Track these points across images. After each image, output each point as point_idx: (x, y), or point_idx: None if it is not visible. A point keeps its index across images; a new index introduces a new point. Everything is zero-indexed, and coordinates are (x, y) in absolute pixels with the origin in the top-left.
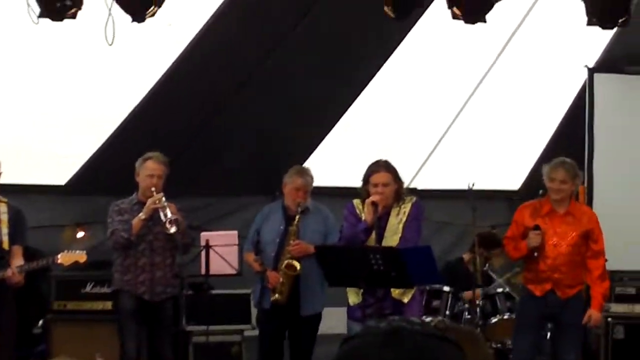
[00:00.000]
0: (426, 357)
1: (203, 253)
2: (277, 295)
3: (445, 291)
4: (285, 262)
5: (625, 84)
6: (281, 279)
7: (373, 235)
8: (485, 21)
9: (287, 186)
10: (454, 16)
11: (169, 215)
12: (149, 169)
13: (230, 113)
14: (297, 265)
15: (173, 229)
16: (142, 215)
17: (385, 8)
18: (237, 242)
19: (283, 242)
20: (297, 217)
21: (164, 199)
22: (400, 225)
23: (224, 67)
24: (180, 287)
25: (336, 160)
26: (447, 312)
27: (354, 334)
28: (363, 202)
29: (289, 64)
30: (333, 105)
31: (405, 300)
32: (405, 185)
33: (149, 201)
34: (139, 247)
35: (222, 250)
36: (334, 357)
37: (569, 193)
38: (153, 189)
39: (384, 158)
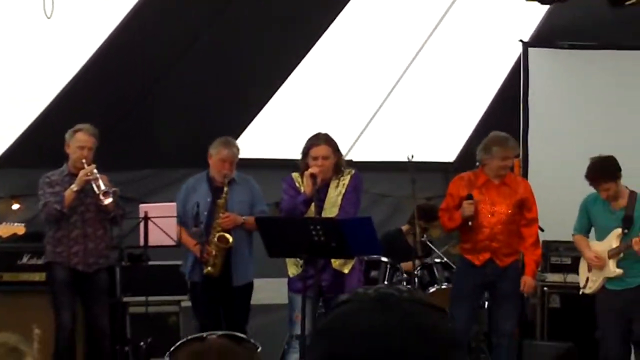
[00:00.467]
0: (415, 322)
1: (142, 224)
2: (209, 268)
3: (383, 261)
4: (217, 235)
5: (559, 58)
6: (214, 252)
7: (312, 207)
8: None
9: (212, 157)
10: None
11: (102, 187)
12: (80, 140)
13: (166, 85)
14: (230, 237)
15: (108, 201)
16: (74, 187)
17: None
18: (175, 214)
19: (211, 214)
20: (225, 189)
21: (95, 170)
22: (339, 198)
23: (159, 41)
24: (119, 258)
25: (273, 132)
26: (386, 282)
27: (342, 300)
28: (302, 175)
29: (224, 38)
30: (269, 77)
31: (346, 270)
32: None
33: (81, 173)
34: (70, 218)
35: (160, 222)
36: (323, 322)
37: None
38: (84, 160)
39: (323, 131)
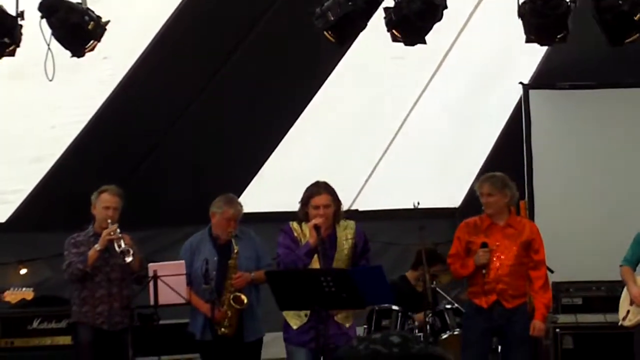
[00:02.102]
0: None
1: (151, 284)
2: (224, 329)
3: (394, 310)
4: (232, 296)
5: (560, 99)
6: (229, 313)
7: (316, 257)
8: (425, 42)
9: (217, 216)
10: (394, 38)
11: (123, 246)
12: (105, 201)
13: (168, 145)
14: (245, 298)
15: (129, 259)
16: (97, 247)
17: (325, 33)
18: (184, 272)
19: (220, 274)
20: (236, 249)
21: (118, 230)
22: (346, 244)
23: (159, 101)
24: (130, 319)
25: (277, 185)
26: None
27: (336, 356)
28: (300, 224)
29: (223, 96)
30: (269, 131)
31: (347, 325)
32: (346, 207)
33: (104, 232)
34: (95, 278)
35: (170, 280)
36: None
37: (500, 205)
38: (109, 220)
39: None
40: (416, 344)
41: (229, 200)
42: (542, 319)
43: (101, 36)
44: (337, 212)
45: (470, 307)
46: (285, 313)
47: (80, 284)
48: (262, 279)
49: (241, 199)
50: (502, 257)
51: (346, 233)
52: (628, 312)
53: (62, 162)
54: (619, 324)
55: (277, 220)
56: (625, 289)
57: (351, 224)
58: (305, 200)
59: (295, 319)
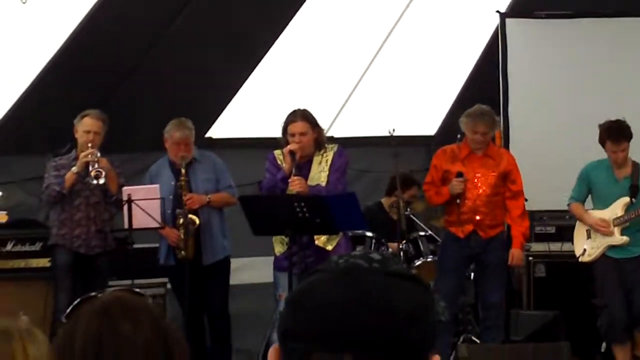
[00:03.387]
0: (374, 297)
1: (125, 207)
2: (183, 252)
3: (368, 236)
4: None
5: (537, 28)
6: (182, 235)
7: None
8: None
9: (167, 141)
10: None
11: (96, 167)
12: (86, 125)
13: (143, 70)
14: (196, 219)
15: (101, 181)
16: (74, 169)
17: None
18: (158, 196)
19: (177, 198)
20: (183, 171)
21: (98, 153)
22: (322, 174)
23: (133, 26)
24: (104, 241)
25: (253, 111)
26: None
27: (314, 269)
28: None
29: (198, 21)
30: (246, 56)
31: (329, 247)
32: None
33: (82, 155)
34: (74, 201)
35: (144, 204)
36: (290, 294)
37: (489, 140)
38: (90, 144)
39: (302, 107)
40: (395, 263)
41: (177, 124)
42: (520, 247)
43: None
44: (318, 140)
45: (446, 236)
46: (273, 239)
47: (59, 206)
48: (221, 201)
49: (215, 125)
50: (479, 186)
51: (326, 157)
52: (585, 250)
53: (35, 87)
54: (579, 259)
55: (249, 146)
56: (576, 226)
57: (334, 147)
58: (284, 128)
59: (279, 246)
